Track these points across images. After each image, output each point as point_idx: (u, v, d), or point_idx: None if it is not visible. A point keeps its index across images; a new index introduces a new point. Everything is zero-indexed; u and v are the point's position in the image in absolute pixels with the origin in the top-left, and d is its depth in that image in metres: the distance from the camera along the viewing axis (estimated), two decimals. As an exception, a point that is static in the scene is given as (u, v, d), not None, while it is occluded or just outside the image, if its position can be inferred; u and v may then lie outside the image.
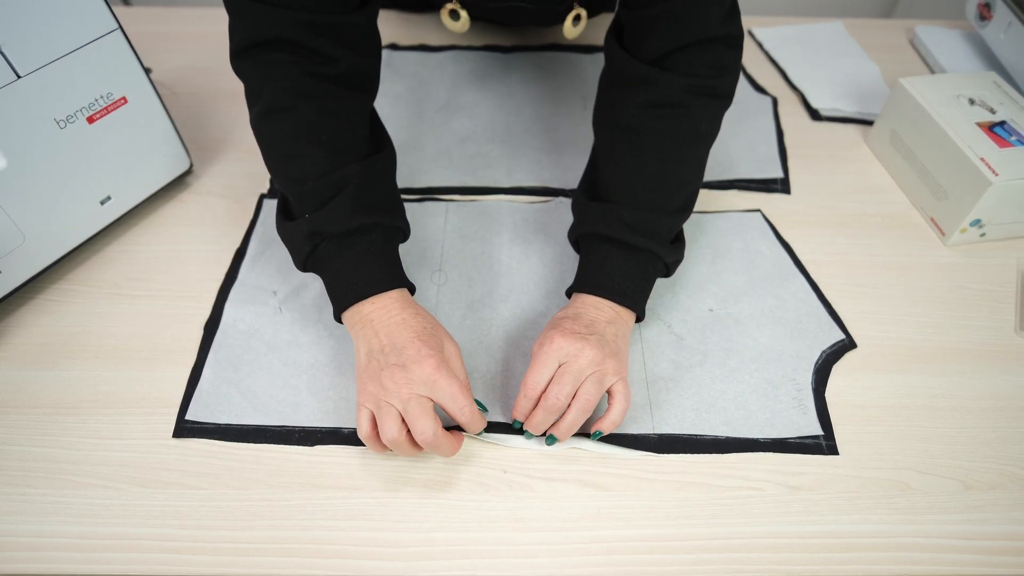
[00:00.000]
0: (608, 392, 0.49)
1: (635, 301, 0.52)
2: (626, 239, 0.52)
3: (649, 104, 0.54)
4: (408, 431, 0.45)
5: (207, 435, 0.51)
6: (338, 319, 0.51)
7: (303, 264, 0.51)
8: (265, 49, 0.50)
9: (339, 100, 0.53)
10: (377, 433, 0.46)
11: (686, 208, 0.56)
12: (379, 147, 0.56)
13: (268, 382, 0.54)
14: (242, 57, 0.52)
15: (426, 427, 0.44)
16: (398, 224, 0.53)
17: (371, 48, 0.56)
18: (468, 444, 0.51)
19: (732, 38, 0.54)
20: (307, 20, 0.50)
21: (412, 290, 0.53)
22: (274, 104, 0.51)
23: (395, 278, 0.50)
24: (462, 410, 0.46)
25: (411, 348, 0.46)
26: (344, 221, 0.50)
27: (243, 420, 0.52)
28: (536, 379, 0.48)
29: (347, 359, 0.55)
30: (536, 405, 0.48)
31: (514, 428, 0.51)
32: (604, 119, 0.59)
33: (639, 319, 0.54)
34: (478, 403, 0.49)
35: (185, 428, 0.51)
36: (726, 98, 0.56)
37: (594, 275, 0.53)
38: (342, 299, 0.50)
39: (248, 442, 0.51)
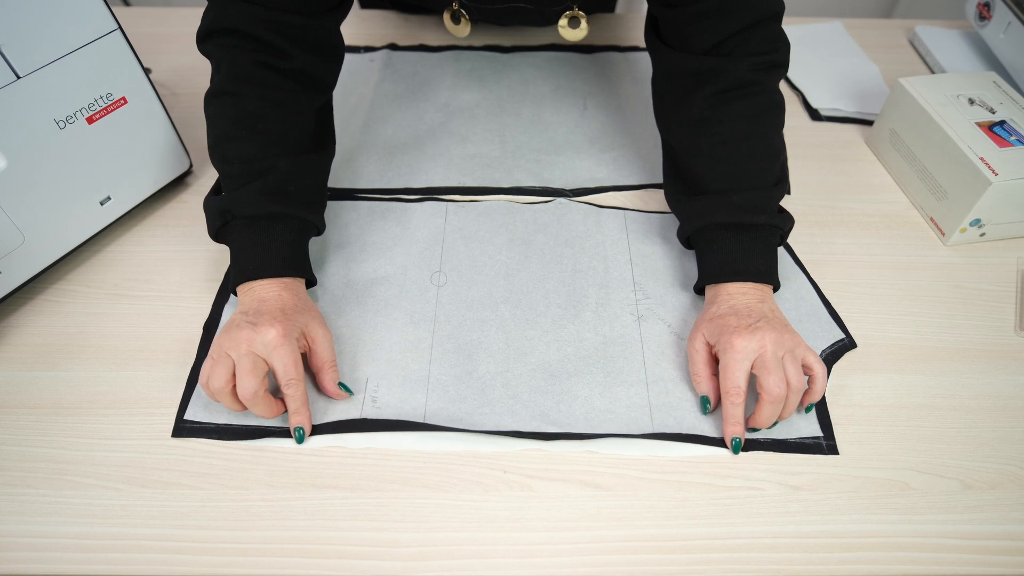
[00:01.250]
0: (803, 364, 0.51)
1: (771, 276, 0.55)
2: (745, 220, 0.55)
3: (719, 91, 0.56)
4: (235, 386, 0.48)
5: (206, 435, 0.51)
6: (233, 292, 0.54)
7: (214, 235, 0.56)
8: (226, 35, 0.55)
9: (285, 92, 0.56)
10: (209, 393, 0.49)
11: (784, 177, 0.58)
12: (320, 146, 0.60)
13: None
14: (205, 41, 0.56)
15: (248, 384, 0.47)
16: (310, 218, 0.56)
17: (331, 53, 0.60)
18: (468, 445, 0.51)
19: (778, 14, 0.56)
20: (270, 18, 0.54)
21: (311, 282, 0.57)
22: (222, 87, 0.55)
23: (290, 267, 0.54)
24: (289, 381, 0.49)
25: (267, 315, 0.50)
26: (253, 206, 0.53)
27: (242, 420, 0.52)
28: (737, 383, 0.49)
29: (344, 359, 0.55)
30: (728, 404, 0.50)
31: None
32: (674, 117, 0.60)
33: (775, 289, 0.56)
34: (343, 386, 0.52)
35: (184, 428, 0.51)
36: (785, 66, 0.58)
37: (729, 263, 0.55)
38: (238, 276, 0.53)
39: (247, 439, 0.51)
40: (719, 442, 0.51)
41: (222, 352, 0.48)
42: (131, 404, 0.53)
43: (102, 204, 0.62)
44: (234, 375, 0.48)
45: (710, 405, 0.52)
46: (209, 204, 0.55)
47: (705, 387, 0.52)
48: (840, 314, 0.60)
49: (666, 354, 0.56)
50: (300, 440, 0.49)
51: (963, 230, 0.65)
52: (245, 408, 0.49)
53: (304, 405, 0.49)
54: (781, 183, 0.57)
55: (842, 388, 0.55)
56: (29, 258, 0.58)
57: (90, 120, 0.58)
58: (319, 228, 0.58)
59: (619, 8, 1.04)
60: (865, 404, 0.54)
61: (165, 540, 0.46)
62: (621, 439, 0.51)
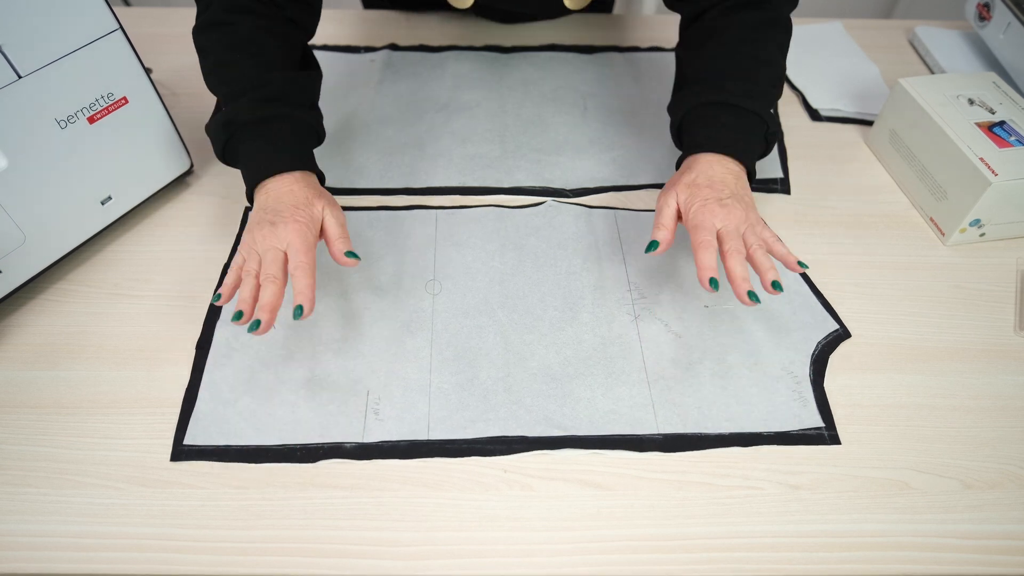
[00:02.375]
0: (761, 239, 0.54)
1: (751, 159, 0.59)
2: (732, 101, 0.58)
3: (730, 6, 0.62)
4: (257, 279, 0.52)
5: (206, 457, 0.50)
6: (249, 200, 0.57)
7: (221, 153, 0.58)
8: None
9: (276, 22, 0.60)
10: (239, 272, 0.52)
11: (777, 85, 0.61)
12: (310, 67, 0.65)
13: (266, 400, 0.53)
14: None
15: (271, 270, 0.51)
16: (309, 120, 0.60)
17: (315, 5, 0.66)
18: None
19: None
20: None
21: (321, 178, 0.60)
22: (215, 18, 0.59)
23: (296, 161, 0.57)
24: (298, 265, 0.51)
25: (285, 212, 0.53)
26: (254, 111, 0.56)
27: (243, 440, 0.51)
28: (707, 238, 0.53)
29: (343, 371, 0.55)
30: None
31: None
32: (687, 36, 0.66)
33: (751, 177, 0.59)
34: (351, 254, 0.54)
35: (183, 451, 0.50)
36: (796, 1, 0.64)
37: (712, 137, 0.58)
38: (251, 181, 0.56)
39: (249, 462, 0.50)
40: (721, 441, 0.51)
41: (251, 249, 0.53)
42: (131, 403, 0.53)
43: (103, 204, 0.62)
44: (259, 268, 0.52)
45: (656, 248, 0.55)
46: (211, 124, 0.58)
47: (663, 235, 0.55)
48: (840, 314, 0.60)
49: (665, 352, 0.56)
50: (296, 316, 0.50)
51: (963, 230, 0.65)
52: (255, 296, 0.51)
53: (308, 288, 0.50)
54: (773, 89, 0.61)
55: (842, 388, 0.55)
56: (30, 257, 0.58)
57: (91, 120, 0.58)
58: (319, 134, 0.61)
59: (616, 9, 1.04)
60: (865, 404, 0.54)
61: (165, 539, 0.46)
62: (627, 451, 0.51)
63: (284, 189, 0.55)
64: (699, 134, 0.59)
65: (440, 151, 0.75)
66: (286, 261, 0.52)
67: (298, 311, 0.50)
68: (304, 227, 0.53)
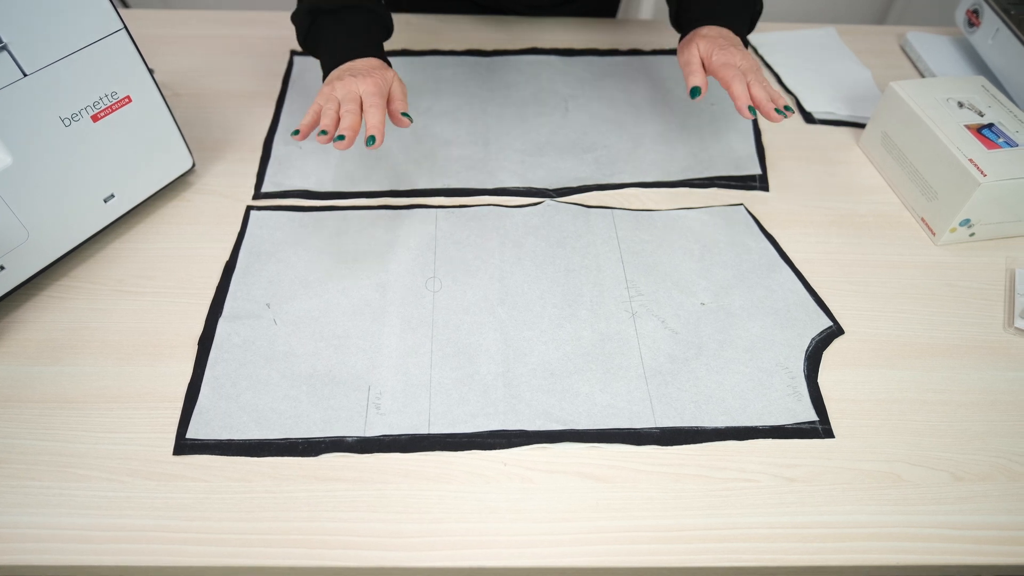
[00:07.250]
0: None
1: (743, 32, 0.71)
2: None
3: None
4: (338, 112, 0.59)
5: (209, 451, 0.51)
6: (325, 75, 0.65)
7: (303, 39, 0.67)
8: None
9: None
10: (317, 112, 0.59)
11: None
12: None
13: (268, 395, 0.54)
14: None
15: (350, 106, 0.58)
16: (378, 11, 0.68)
17: None
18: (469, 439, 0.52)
19: None
20: None
21: (388, 63, 0.66)
22: None
23: (369, 49, 0.65)
24: (372, 104, 0.59)
25: (362, 70, 0.62)
26: (333, 2, 0.65)
27: (245, 435, 0.51)
28: (736, 73, 0.64)
29: (346, 367, 0.56)
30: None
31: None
32: None
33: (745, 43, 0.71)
34: (406, 115, 0.61)
35: (186, 445, 0.51)
36: None
37: (722, 14, 0.70)
38: (330, 64, 0.64)
39: (252, 456, 0.50)
40: (718, 435, 0.52)
41: (330, 96, 0.60)
42: (134, 398, 0.53)
43: (106, 201, 0.62)
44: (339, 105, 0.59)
45: (700, 93, 0.65)
46: (297, 12, 0.67)
47: (699, 79, 0.66)
48: (834, 311, 0.61)
49: (662, 348, 0.57)
50: (369, 144, 0.57)
51: (953, 230, 0.66)
52: (337, 121, 0.57)
53: (380, 123, 0.58)
54: None
55: (836, 383, 0.56)
56: (33, 254, 0.58)
57: (95, 118, 0.59)
58: (388, 27, 0.70)
59: (619, 13, 1.05)
60: (859, 399, 0.55)
61: (169, 531, 0.46)
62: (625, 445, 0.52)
63: (359, 62, 0.64)
64: (712, 11, 0.70)
65: (424, 154, 0.76)
66: (361, 104, 0.59)
67: (371, 139, 0.57)
68: (379, 81, 0.61)
